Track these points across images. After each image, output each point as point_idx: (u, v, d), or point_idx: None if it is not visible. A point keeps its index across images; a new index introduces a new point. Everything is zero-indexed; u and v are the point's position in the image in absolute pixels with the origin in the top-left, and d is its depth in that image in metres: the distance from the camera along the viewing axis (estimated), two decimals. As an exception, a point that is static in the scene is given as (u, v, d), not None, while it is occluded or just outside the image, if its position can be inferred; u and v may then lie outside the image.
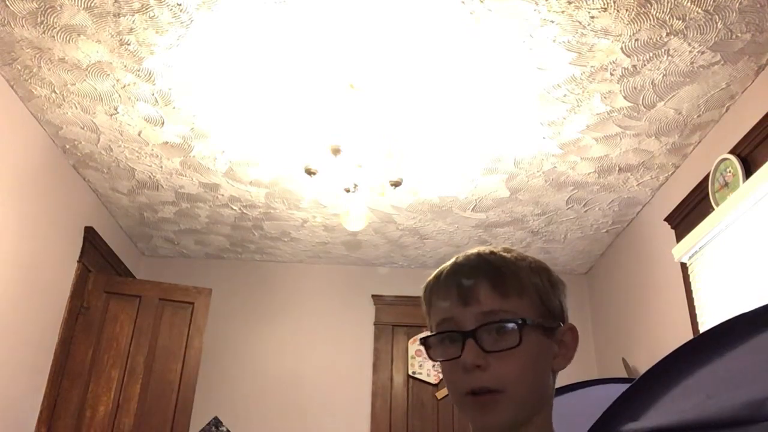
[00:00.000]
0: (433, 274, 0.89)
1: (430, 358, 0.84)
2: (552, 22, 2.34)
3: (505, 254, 0.86)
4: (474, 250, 0.88)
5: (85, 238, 3.68)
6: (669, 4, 2.24)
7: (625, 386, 0.73)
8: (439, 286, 0.86)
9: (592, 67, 2.58)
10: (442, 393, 4.35)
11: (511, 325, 0.78)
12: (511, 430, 0.79)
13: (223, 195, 3.76)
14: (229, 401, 4.24)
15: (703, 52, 2.48)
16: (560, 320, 0.85)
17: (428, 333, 0.85)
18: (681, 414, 0.54)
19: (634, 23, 2.33)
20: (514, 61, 2.56)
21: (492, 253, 0.86)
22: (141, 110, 2.99)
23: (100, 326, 3.68)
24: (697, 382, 0.55)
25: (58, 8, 2.37)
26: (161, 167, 3.49)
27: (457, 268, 0.86)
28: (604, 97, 2.77)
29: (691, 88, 2.70)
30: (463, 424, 4.27)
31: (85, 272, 3.70)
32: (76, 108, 3.00)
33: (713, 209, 2.79)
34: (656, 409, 0.56)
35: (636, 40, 2.42)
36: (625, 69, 2.59)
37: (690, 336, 3.03)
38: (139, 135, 3.20)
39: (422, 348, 0.84)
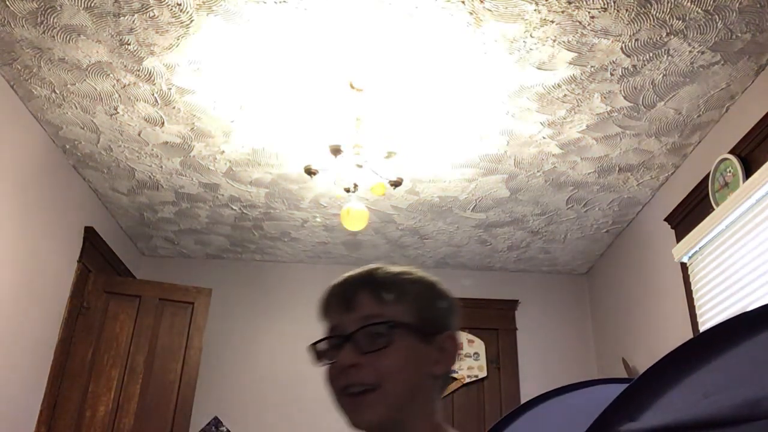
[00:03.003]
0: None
1: (318, 363, 0.88)
2: (552, 22, 2.34)
3: (392, 269, 0.90)
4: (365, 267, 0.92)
5: (85, 238, 3.68)
6: (669, 4, 2.24)
7: (625, 386, 0.73)
8: (327, 298, 0.90)
9: (592, 67, 2.58)
10: (442, 393, 4.35)
11: (382, 326, 0.83)
12: (385, 430, 0.82)
13: (223, 195, 3.76)
14: (229, 401, 4.24)
15: (703, 52, 2.48)
16: (440, 328, 0.87)
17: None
18: (680, 413, 0.54)
19: (634, 23, 2.33)
20: (514, 61, 2.56)
21: (378, 267, 0.91)
22: (141, 110, 2.99)
23: (100, 326, 3.67)
24: (696, 382, 0.55)
25: (58, 8, 2.37)
26: (161, 167, 3.49)
27: (342, 280, 0.90)
28: (604, 97, 2.77)
29: (691, 88, 2.70)
30: (464, 423, 4.27)
31: (85, 272, 3.70)
32: (76, 108, 3.00)
33: (713, 209, 2.79)
34: (655, 408, 0.56)
35: (636, 40, 2.42)
36: (625, 69, 2.58)
37: (690, 336, 3.03)
38: (139, 135, 3.20)
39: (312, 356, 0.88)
